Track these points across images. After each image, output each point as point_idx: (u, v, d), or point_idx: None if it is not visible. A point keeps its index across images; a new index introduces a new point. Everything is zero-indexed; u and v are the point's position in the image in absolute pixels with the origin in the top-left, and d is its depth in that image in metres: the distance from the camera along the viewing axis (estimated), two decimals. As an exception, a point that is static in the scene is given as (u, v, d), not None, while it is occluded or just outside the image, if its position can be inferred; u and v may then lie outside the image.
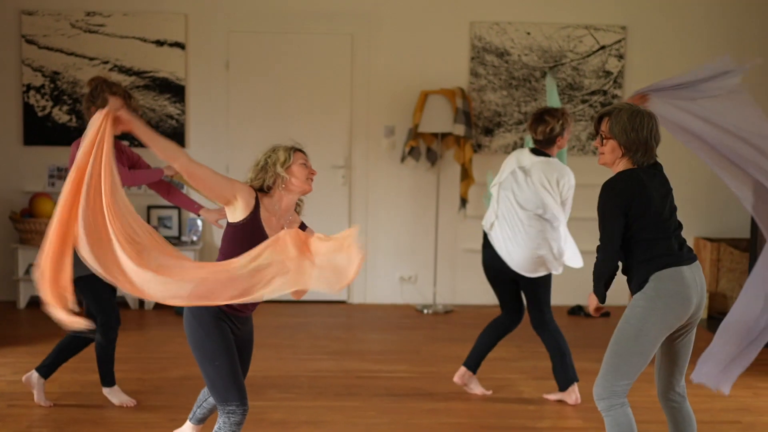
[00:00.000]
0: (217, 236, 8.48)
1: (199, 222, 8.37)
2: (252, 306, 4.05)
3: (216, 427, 3.97)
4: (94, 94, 5.20)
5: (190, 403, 5.61)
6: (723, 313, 8.20)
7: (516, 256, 5.57)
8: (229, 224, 3.98)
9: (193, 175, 3.87)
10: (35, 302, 8.22)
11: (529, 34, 8.47)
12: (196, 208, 5.33)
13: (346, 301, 8.63)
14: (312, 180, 4.08)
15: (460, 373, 5.84)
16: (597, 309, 4.19)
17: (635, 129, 4.02)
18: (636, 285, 4.05)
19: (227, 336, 3.96)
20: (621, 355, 4.00)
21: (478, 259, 8.61)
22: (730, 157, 4.47)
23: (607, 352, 4.06)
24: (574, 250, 5.79)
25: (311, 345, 7.11)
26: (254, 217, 3.93)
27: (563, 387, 5.76)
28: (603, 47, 8.52)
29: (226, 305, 3.91)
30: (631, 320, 3.99)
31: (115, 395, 5.49)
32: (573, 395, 5.75)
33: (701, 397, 5.90)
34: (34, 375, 5.44)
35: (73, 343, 5.39)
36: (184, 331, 4.02)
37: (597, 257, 4.04)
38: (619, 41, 8.52)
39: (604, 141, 4.10)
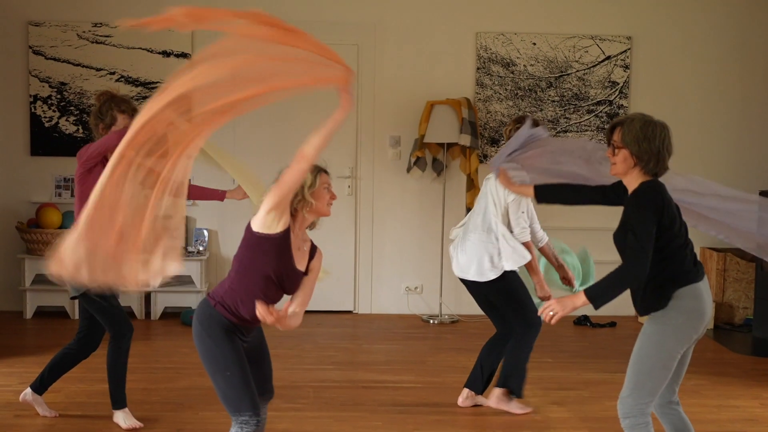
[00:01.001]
0: (224, 246, 8.50)
1: (206, 232, 8.37)
2: (252, 310, 3.92)
3: None
4: (102, 110, 5.11)
5: (196, 414, 5.61)
6: (729, 323, 8.22)
7: (460, 261, 5.65)
8: (257, 233, 3.85)
9: (294, 171, 3.82)
10: (41, 312, 8.24)
11: (534, 44, 8.48)
12: (220, 195, 5.46)
13: (351, 311, 8.63)
14: (331, 204, 4.04)
15: (464, 396, 5.82)
16: (548, 299, 4.06)
17: (647, 138, 4.00)
18: (655, 301, 3.99)
19: (237, 346, 3.94)
20: (646, 373, 3.95)
21: (484, 269, 8.64)
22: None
23: (631, 370, 4.01)
24: (515, 253, 5.60)
25: (317, 355, 7.11)
26: (287, 234, 3.87)
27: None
28: (608, 57, 8.52)
29: (235, 317, 3.89)
30: (654, 337, 3.96)
31: (124, 418, 5.31)
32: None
33: (708, 407, 5.90)
34: (28, 392, 5.41)
35: (64, 360, 5.34)
36: (194, 342, 4.00)
37: (625, 266, 3.90)
38: (625, 51, 8.53)
39: (616, 151, 4.07)
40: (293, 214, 3.94)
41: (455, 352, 7.27)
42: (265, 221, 3.82)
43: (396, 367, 6.82)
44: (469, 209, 8.32)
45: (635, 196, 4.00)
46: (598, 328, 8.15)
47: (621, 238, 3.98)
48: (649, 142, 4.00)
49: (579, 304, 3.91)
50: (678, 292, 3.97)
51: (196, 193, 5.50)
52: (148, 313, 8.28)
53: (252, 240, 3.86)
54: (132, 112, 5.07)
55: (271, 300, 3.87)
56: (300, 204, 3.95)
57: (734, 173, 8.64)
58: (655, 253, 3.92)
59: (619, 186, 4.23)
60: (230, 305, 3.90)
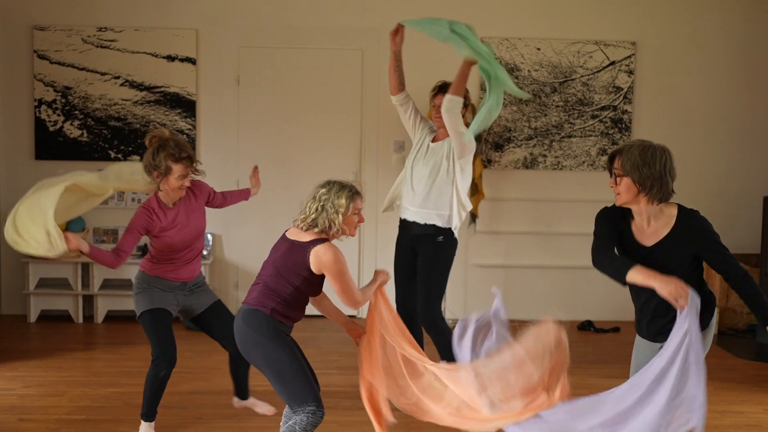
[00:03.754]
0: (228, 250, 8.50)
1: (210, 236, 8.38)
2: (302, 313, 4.43)
3: (291, 421, 4.20)
4: (156, 159, 4.95)
5: (200, 418, 5.62)
6: (733, 329, 8.21)
7: None
8: (314, 273, 4.29)
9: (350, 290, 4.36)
10: (45, 316, 8.25)
11: (539, 49, 8.48)
12: (246, 195, 5.72)
13: (356, 316, 8.62)
14: (358, 227, 4.43)
15: None
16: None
17: (647, 164, 3.96)
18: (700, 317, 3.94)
19: (291, 344, 4.29)
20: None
21: (489, 273, 8.65)
22: None
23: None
24: None
25: (320, 359, 7.09)
26: None
27: None
28: (613, 63, 8.53)
29: (285, 318, 4.31)
30: (701, 349, 3.91)
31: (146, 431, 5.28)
32: None
33: (712, 413, 5.88)
34: (143, 425, 5.27)
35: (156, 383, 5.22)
36: (246, 351, 4.29)
37: (752, 282, 4.09)
38: (629, 57, 8.52)
39: (618, 179, 4.05)
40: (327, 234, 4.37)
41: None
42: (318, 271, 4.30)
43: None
44: (473, 215, 8.33)
45: (695, 220, 4.07)
46: (601, 333, 8.14)
47: (719, 262, 4.09)
48: (650, 168, 3.97)
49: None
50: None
51: (232, 199, 5.59)
52: (151, 318, 8.28)
53: (310, 276, 4.29)
54: (188, 159, 4.98)
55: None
56: (330, 226, 4.30)
57: (739, 179, 8.64)
58: (698, 274, 4.11)
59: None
60: (282, 313, 4.29)
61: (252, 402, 5.65)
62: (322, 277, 4.34)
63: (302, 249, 4.21)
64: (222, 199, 5.51)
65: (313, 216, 4.22)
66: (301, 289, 4.29)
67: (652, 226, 4.10)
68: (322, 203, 4.21)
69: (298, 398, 4.16)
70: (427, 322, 5.89)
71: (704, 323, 4.06)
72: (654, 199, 4.00)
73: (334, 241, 4.37)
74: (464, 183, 5.89)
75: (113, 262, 4.86)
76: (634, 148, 4.01)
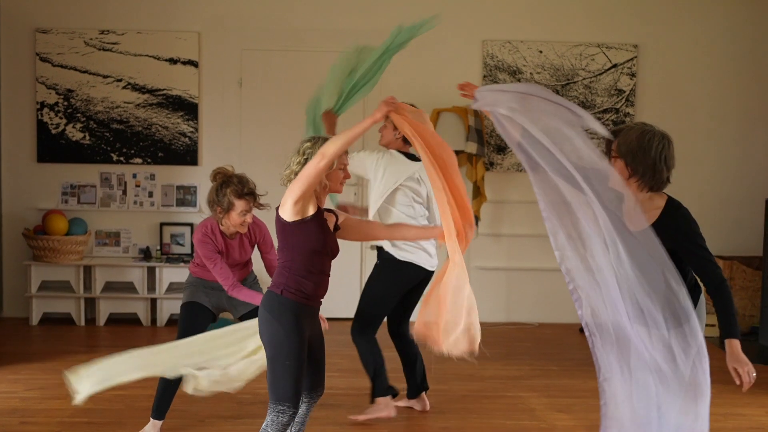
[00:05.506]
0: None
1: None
2: (323, 292, 4.26)
3: (264, 425, 4.11)
4: (219, 195, 5.03)
5: (202, 421, 5.61)
6: (736, 332, 8.20)
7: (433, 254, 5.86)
8: (293, 222, 4.05)
9: (313, 167, 3.94)
10: (48, 319, 8.25)
11: (541, 52, 8.48)
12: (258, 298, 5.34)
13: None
14: (344, 183, 4.23)
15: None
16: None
17: (643, 149, 3.81)
18: None
19: (304, 340, 4.17)
20: None
21: (491, 276, 8.65)
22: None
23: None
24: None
25: (323, 362, 7.09)
26: (319, 211, 4.13)
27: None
28: (615, 65, 8.53)
29: (303, 297, 4.14)
30: None
31: (152, 429, 5.31)
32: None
33: (714, 416, 5.86)
34: (150, 423, 5.32)
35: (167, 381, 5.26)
36: (260, 334, 4.18)
37: (726, 291, 3.78)
38: (631, 59, 8.53)
39: (612, 160, 3.90)
40: None
41: (461, 360, 7.24)
42: (294, 210, 4.02)
43: (401, 375, 6.80)
44: (475, 217, 8.33)
45: (689, 218, 3.84)
46: (604, 336, 8.13)
47: (696, 265, 3.83)
48: (645, 153, 3.81)
49: (741, 356, 3.84)
50: (699, 304, 4.01)
51: (269, 271, 5.43)
52: (154, 320, 8.29)
53: (291, 228, 4.08)
54: (251, 196, 5.04)
55: (326, 268, 4.20)
56: (318, 187, 4.14)
57: (740, 181, 8.64)
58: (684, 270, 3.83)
59: None
60: (294, 287, 4.12)
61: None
62: (314, 222, 4.08)
63: (279, 206, 4.13)
64: (267, 254, 5.42)
65: (296, 169, 4.11)
66: (300, 248, 4.08)
67: (639, 212, 3.97)
68: (305, 156, 4.12)
69: (277, 391, 4.09)
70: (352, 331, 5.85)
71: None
72: (645, 186, 3.86)
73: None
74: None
75: (236, 291, 5.08)
76: (633, 131, 3.87)
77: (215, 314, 5.39)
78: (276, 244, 4.37)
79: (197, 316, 5.28)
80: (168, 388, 5.25)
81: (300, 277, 4.11)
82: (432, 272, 5.72)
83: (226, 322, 5.15)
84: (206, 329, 5.23)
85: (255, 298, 5.00)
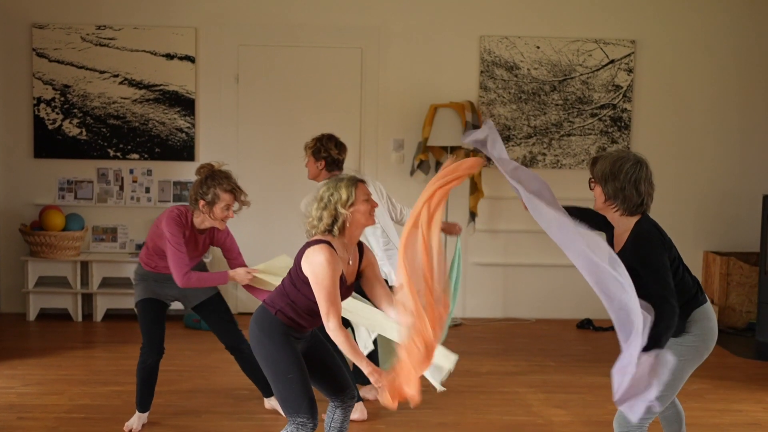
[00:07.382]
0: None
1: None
2: (317, 321, 4.13)
3: (284, 431, 4.09)
4: (204, 188, 5.06)
5: (199, 416, 5.61)
6: (733, 327, 8.21)
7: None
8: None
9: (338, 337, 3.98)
10: (44, 314, 8.24)
11: (538, 48, 8.47)
12: (224, 278, 5.25)
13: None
14: (374, 213, 4.14)
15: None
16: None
17: (614, 175, 3.98)
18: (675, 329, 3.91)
19: (297, 351, 4.11)
20: (660, 398, 3.75)
21: (488, 272, 8.66)
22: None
23: None
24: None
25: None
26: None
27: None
28: (612, 61, 8.52)
29: (293, 322, 4.09)
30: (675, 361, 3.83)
31: (136, 421, 5.36)
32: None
33: (711, 411, 5.89)
34: (135, 415, 5.38)
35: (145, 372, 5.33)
36: (252, 346, 4.15)
37: (665, 312, 3.77)
38: (629, 55, 8.52)
39: (592, 185, 4.11)
40: (341, 232, 4.07)
41: (458, 355, 7.25)
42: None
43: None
44: (472, 213, 8.33)
45: (645, 240, 3.92)
46: (600, 331, 8.14)
47: (648, 282, 3.84)
48: (614, 178, 3.98)
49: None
50: (692, 316, 4.02)
51: (231, 263, 5.44)
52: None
53: (306, 279, 4.03)
54: (235, 191, 5.08)
55: None
56: (342, 226, 4.05)
57: (738, 177, 8.63)
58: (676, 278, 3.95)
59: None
60: (290, 316, 4.09)
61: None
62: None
63: (301, 251, 4.08)
64: (234, 261, 5.38)
65: (317, 215, 4.06)
66: (308, 296, 4.05)
67: (620, 236, 4.09)
68: (325, 201, 4.07)
69: (290, 406, 4.05)
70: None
71: (680, 329, 3.98)
72: (619, 210, 4.02)
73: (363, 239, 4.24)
74: None
75: (183, 281, 5.07)
76: (609, 158, 4.04)
77: (168, 305, 5.43)
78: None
79: (158, 311, 5.33)
80: (146, 381, 5.32)
81: (300, 312, 4.11)
82: None
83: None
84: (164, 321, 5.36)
85: (207, 280, 5.06)
